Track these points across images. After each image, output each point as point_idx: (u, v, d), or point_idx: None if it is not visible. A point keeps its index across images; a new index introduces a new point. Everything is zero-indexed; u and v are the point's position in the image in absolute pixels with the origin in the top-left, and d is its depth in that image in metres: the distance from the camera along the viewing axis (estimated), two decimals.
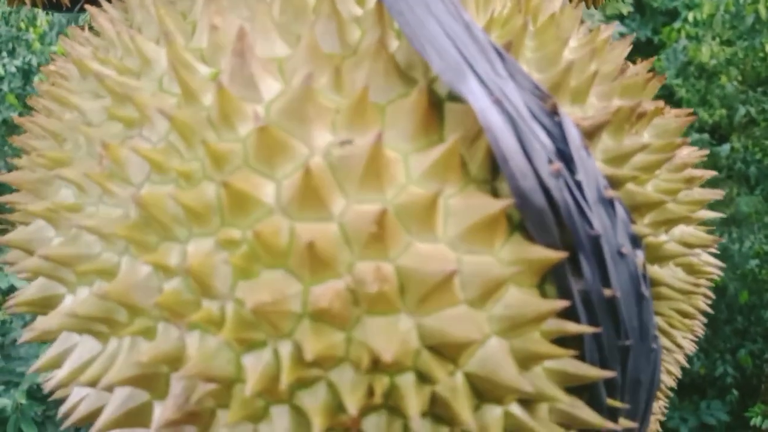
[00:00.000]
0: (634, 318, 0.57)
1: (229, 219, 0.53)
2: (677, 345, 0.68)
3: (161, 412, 0.53)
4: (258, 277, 0.51)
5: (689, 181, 0.66)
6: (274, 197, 0.52)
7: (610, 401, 0.57)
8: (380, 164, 0.52)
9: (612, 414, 0.58)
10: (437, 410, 0.51)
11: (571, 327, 0.54)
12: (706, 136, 2.77)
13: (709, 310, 0.77)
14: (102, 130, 0.61)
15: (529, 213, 0.54)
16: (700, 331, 0.77)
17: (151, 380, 0.54)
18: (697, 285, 0.67)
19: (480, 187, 0.56)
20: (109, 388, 0.57)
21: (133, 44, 0.63)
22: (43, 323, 0.60)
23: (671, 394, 0.81)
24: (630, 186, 0.61)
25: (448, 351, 0.50)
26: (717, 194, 0.71)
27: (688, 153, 0.73)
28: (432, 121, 0.57)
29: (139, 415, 0.56)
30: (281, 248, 0.50)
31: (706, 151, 0.74)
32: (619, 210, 0.58)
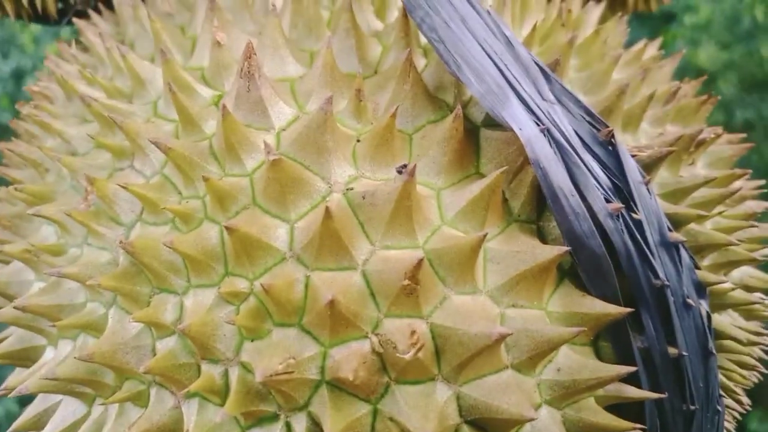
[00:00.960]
0: (700, 379, 0.50)
1: (234, 268, 0.45)
2: (738, 402, 0.61)
3: None
4: (268, 338, 0.43)
5: (749, 217, 0.58)
6: (286, 242, 0.45)
7: None
8: (412, 204, 0.44)
9: None
10: None
11: (632, 392, 0.47)
12: None
13: (765, 357, 0.69)
14: (88, 161, 0.54)
15: (583, 259, 0.46)
16: (755, 380, 0.69)
17: None
18: (758, 333, 0.59)
19: (523, 227, 0.48)
20: None
21: (124, 63, 0.55)
22: (20, 384, 0.52)
23: None
24: (691, 225, 0.53)
25: (492, 426, 0.43)
26: None
27: (743, 184, 0.65)
28: (466, 150, 0.49)
29: None
30: (295, 303, 0.43)
31: (762, 182, 0.66)
32: (684, 255, 0.50)
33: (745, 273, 0.61)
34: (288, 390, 0.42)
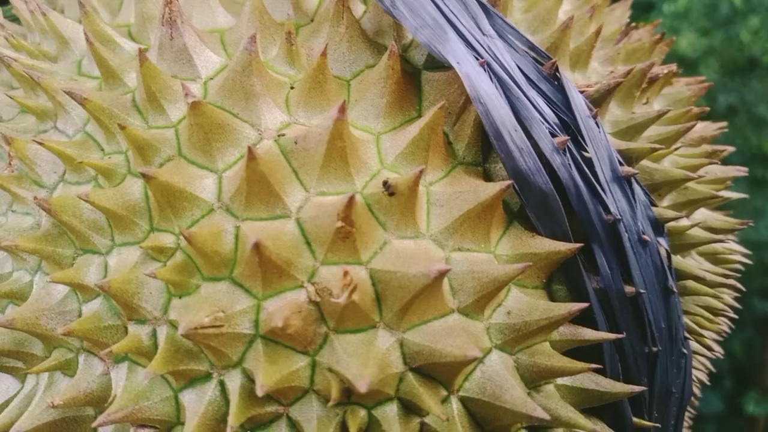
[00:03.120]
0: (662, 318, 0.47)
1: (159, 223, 0.42)
2: (707, 348, 0.58)
3: None
4: (196, 293, 0.40)
5: (710, 156, 0.56)
6: (214, 193, 0.42)
7: (636, 420, 0.48)
8: (345, 146, 0.42)
9: None
10: None
11: (588, 334, 0.44)
12: None
13: (735, 304, 0.67)
14: (11, 126, 0.51)
15: (530, 197, 0.44)
16: (726, 329, 0.67)
17: (73, 426, 0.44)
18: (726, 276, 0.57)
19: (469, 170, 0.46)
20: None
21: (46, 22, 0.52)
22: None
23: (696, 404, 0.71)
24: (646, 163, 0.51)
25: (439, 373, 0.40)
26: (741, 171, 0.62)
27: (704, 126, 0.63)
28: (408, 94, 0.47)
29: None
30: (223, 255, 0.40)
31: (724, 123, 0.64)
32: (638, 190, 0.48)
33: (708, 216, 0.59)
34: (218, 346, 0.39)
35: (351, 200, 0.38)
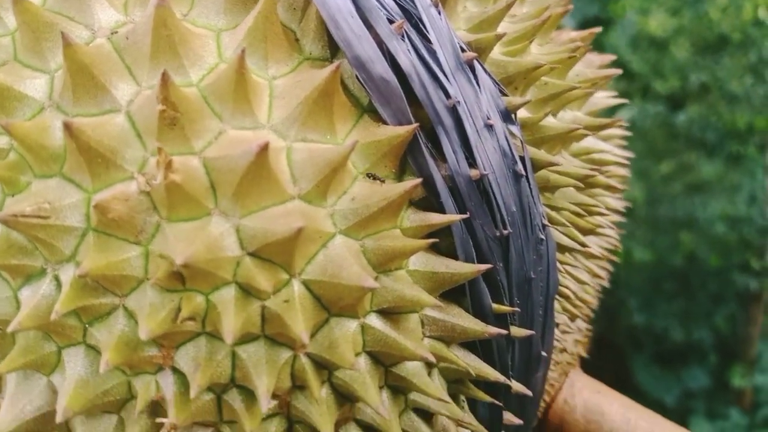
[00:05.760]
0: (512, 202, 0.48)
1: None
2: (580, 244, 0.59)
3: None
4: (27, 190, 0.40)
5: (574, 51, 0.57)
6: (46, 92, 0.42)
7: (496, 306, 0.48)
8: (172, 35, 0.41)
9: (501, 321, 0.49)
10: (271, 330, 0.41)
11: (436, 218, 0.45)
12: (660, 107, 2.73)
13: (620, 208, 0.68)
14: None
15: (372, 86, 0.44)
16: (614, 234, 0.68)
17: None
18: (597, 170, 0.58)
19: (315, 64, 0.46)
20: None
21: None
22: None
23: (592, 315, 0.72)
24: (499, 56, 0.51)
25: (276, 255, 0.40)
26: (615, 72, 0.62)
27: (579, 33, 0.64)
28: None
29: None
30: (52, 150, 0.40)
31: (598, 28, 0.65)
32: (483, 77, 0.48)
33: (578, 117, 0.60)
34: (47, 238, 0.39)
35: (164, 78, 0.38)
